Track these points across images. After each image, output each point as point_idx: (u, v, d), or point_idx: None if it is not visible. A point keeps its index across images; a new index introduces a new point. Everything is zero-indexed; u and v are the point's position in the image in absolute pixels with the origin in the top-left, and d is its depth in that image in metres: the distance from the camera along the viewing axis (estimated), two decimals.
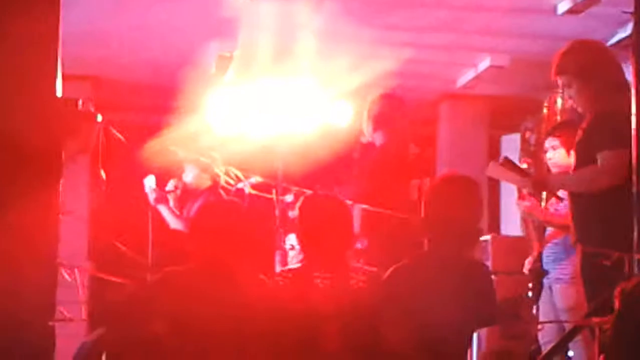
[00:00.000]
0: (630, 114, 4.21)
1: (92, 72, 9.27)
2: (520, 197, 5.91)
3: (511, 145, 9.84)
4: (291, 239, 8.13)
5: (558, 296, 5.78)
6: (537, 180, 5.09)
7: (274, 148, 9.19)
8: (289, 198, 7.88)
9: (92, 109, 3.80)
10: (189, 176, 7.30)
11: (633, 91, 4.21)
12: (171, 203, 7.22)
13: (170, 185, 7.28)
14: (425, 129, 9.98)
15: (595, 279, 4.50)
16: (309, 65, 8.33)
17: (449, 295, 3.35)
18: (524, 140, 9.54)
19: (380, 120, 5.75)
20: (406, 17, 7.77)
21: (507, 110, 9.81)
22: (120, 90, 9.74)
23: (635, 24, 4.06)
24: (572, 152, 5.04)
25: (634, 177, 4.11)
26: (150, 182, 7.17)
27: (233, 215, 3.77)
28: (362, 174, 5.57)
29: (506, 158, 5.28)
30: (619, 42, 7.97)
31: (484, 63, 8.88)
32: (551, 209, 5.82)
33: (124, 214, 7.47)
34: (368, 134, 5.80)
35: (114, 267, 5.68)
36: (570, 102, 4.86)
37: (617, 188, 4.46)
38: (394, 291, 3.43)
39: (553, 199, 5.71)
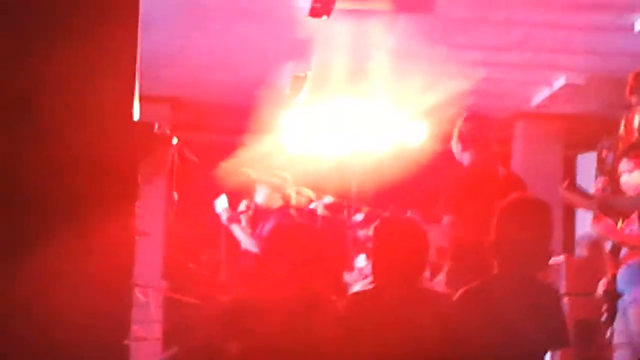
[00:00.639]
0: None
1: (170, 93, 9.44)
2: (596, 218, 5.85)
3: (587, 165, 9.70)
4: (360, 260, 8.17)
5: (633, 319, 5.69)
6: (602, 203, 5.08)
7: (347, 167, 9.27)
8: (359, 217, 7.93)
9: (168, 132, 3.88)
10: (260, 196, 7.34)
11: None
12: (243, 223, 7.27)
13: (242, 206, 7.34)
14: (499, 148, 9.90)
15: None
16: (382, 85, 8.38)
17: (520, 317, 3.33)
18: (600, 160, 9.39)
19: (469, 140, 5.67)
20: (479, 35, 7.75)
21: (583, 129, 9.68)
22: (197, 111, 9.90)
23: None
24: None
25: None
26: (222, 202, 7.25)
27: (305, 237, 3.80)
28: (451, 195, 5.52)
29: (569, 182, 5.27)
30: None
31: (559, 81, 8.81)
32: (627, 230, 5.74)
33: (198, 234, 7.58)
34: (457, 153, 5.73)
35: (187, 287, 5.77)
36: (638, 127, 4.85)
37: None
38: (467, 313, 3.42)
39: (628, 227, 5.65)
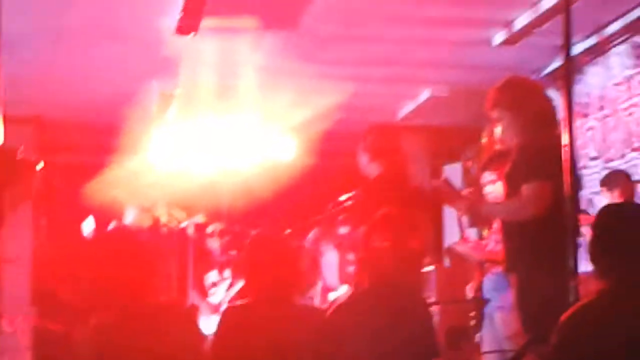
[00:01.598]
0: (557, 147, 4.35)
1: (34, 112, 9.24)
2: (462, 237, 6.04)
3: (453, 175, 9.94)
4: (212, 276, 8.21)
5: (500, 324, 5.86)
6: (471, 205, 5.21)
7: (218, 185, 9.24)
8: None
9: (33, 156, 3.79)
10: (129, 217, 7.24)
11: (564, 121, 4.34)
12: None
13: (110, 227, 7.20)
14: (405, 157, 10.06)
15: (531, 307, 4.60)
16: (251, 102, 8.39)
17: (390, 329, 3.38)
18: (465, 170, 9.68)
19: (376, 151, 5.64)
20: (345, 51, 7.85)
21: (448, 141, 9.95)
22: (63, 131, 9.70)
23: (564, 56, 4.17)
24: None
25: (567, 206, 4.20)
26: (89, 224, 7.09)
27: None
28: (358, 209, 5.48)
29: (446, 179, 5.37)
30: (554, 71, 8.15)
31: (424, 94, 9.01)
32: (490, 245, 5.94)
33: (66, 258, 7.39)
34: (364, 165, 5.69)
35: (56, 313, 5.63)
36: (501, 135, 5.01)
37: (547, 217, 4.58)
38: (338, 327, 3.45)
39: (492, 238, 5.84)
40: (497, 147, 8.09)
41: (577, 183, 6.04)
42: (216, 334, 3.69)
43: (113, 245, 3.59)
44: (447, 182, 5.23)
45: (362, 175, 5.77)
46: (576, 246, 4.86)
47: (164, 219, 7.31)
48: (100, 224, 7.31)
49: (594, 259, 3.20)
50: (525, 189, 4.62)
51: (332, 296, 7.46)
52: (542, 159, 4.57)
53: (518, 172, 4.75)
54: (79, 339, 3.58)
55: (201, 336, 3.53)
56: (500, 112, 4.84)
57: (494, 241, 5.93)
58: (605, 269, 3.14)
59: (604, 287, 3.10)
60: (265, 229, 7.22)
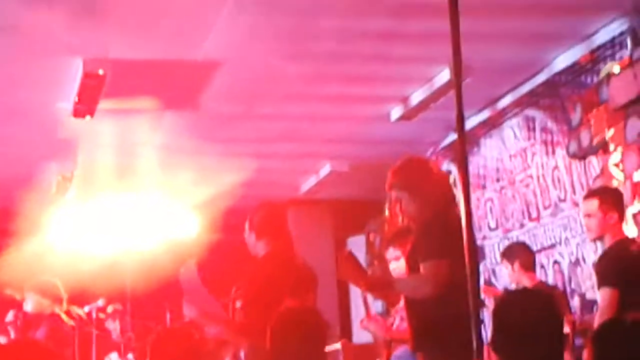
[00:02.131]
0: (454, 224, 4.44)
1: None
2: (367, 315, 6.05)
3: (357, 247, 9.99)
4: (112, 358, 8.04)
5: None
6: (371, 282, 5.25)
7: (120, 265, 9.10)
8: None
9: None
10: (29, 304, 7.02)
11: (461, 193, 4.42)
12: (12, 334, 6.89)
13: (10, 317, 6.95)
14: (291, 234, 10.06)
15: None
16: (152, 180, 8.33)
17: None
18: (369, 243, 9.74)
19: (262, 229, 5.52)
20: (246, 129, 7.88)
21: (351, 214, 10.01)
22: None
23: (458, 130, 4.27)
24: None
25: (468, 282, 4.27)
26: None
27: None
28: (248, 287, 5.33)
29: (350, 253, 5.38)
30: (450, 144, 8.32)
31: (325, 169, 9.08)
32: (396, 323, 5.97)
33: None
34: (251, 244, 5.56)
35: None
36: (401, 214, 5.12)
37: (447, 295, 4.64)
38: None
39: (398, 314, 5.86)
40: (400, 223, 8.23)
41: (477, 255, 6.18)
42: None
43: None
44: (349, 258, 5.25)
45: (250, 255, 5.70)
46: (479, 322, 4.95)
47: (65, 305, 7.10)
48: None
49: (492, 344, 3.27)
50: (422, 267, 4.69)
51: None
52: (439, 236, 4.66)
53: (417, 251, 4.83)
54: None
55: None
56: (397, 192, 4.94)
57: (399, 318, 5.95)
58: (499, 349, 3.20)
59: None
60: (169, 323, 7.16)
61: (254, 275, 5.23)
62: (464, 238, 4.65)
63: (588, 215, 5.63)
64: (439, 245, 4.64)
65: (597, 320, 5.25)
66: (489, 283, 8.05)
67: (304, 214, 10.15)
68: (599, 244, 5.82)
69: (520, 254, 6.83)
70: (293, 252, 5.48)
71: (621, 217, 5.62)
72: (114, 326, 8.39)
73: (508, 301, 3.34)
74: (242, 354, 5.13)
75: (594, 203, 5.57)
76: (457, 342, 4.65)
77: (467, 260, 4.69)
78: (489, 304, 6.51)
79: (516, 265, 6.68)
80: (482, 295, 6.27)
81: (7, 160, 8.08)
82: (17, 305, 7.06)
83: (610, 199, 5.63)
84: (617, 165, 6.48)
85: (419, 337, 4.93)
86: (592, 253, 7.00)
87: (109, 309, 8.30)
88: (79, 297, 7.49)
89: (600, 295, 5.38)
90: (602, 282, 5.41)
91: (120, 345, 8.26)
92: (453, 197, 5.01)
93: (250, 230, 5.46)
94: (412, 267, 4.95)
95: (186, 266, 5.32)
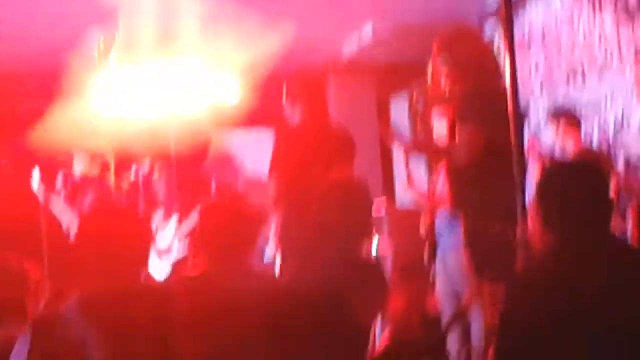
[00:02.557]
0: (496, 93, 4.45)
1: None
2: (409, 182, 6.10)
3: (400, 107, 9.98)
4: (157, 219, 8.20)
5: (451, 261, 5.95)
6: (411, 146, 5.31)
7: (163, 129, 9.16)
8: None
9: None
10: (78, 167, 7.13)
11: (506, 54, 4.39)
12: (62, 197, 7.02)
13: (59, 179, 7.08)
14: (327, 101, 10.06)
15: (480, 249, 4.70)
16: (193, 46, 8.28)
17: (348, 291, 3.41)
18: (411, 102, 9.71)
19: (296, 96, 5.55)
20: None
21: (393, 77, 9.94)
22: (4, 79, 9.51)
23: None
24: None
25: (513, 146, 4.28)
26: (36, 177, 6.92)
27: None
28: (277, 156, 5.35)
29: (385, 120, 5.43)
30: (497, 7, 8.15)
31: (367, 34, 8.97)
32: (438, 188, 6.01)
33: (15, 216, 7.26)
34: (287, 112, 5.60)
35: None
36: (443, 83, 5.11)
37: (487, 160, 4.68)
38: (292, 293, 3.47)
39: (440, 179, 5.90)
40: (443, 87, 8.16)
41: (522, 118, 6.17)
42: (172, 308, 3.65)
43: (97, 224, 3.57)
44: (387, 124, 5.31)
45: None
46: (524, 188, 4.97)
47: (112, 167, 7.21)
48: (47, 174, 7.15)
49: (538, 215, 3.25)
50: (458, 134, 4.73)
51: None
52: (478, 105, 4.69)
53: (457, 118, 4.87)
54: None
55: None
56: (440, 61, 4.94)
57: (441, 183, 5.99)
58: (549, 226, 3.19)
59: (549, 245, 3.15)
60: (218, 196, 7.23)
61: (286, 145, 5.26)
62: (509, 102, 4.67)
63: None
64: (477, 113, 4.67)
65: None
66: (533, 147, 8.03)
67: (345, 78, 10.12)
68: None
69: (565, 116, 6.80)
70: (327, 120, 5.50)
71: None
72: (160, 186, 8.53)
73: (554, 173, 3.30)
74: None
75: None
76: (495, 205, 4.72)
77: (511, 124, 4.72)
78: (532, 166, 6.50)
79: (560, 128, 6.65)
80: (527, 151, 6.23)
81: (50, 26, 8.07)
82: (67, 167, 7.18)
83: None
84: None
85: (458, 200, 4.99)
86: (638, 114, 6.96)
87: (155, 169, 8.43)
88: (126, 161, 7.58)
89: None
90: None
91: (165, 205, 8.40)
92: (496, 68, 5.00)
93: (286, 98, 5.52)
94: (452, 133, 4.99)
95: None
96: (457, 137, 4.77)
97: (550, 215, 3.23)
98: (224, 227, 3.74)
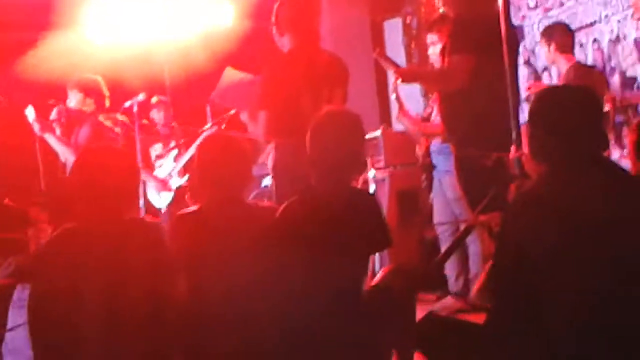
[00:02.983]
0: (489, 21, 4.44)
1: None
2: (400, 110, 6.09)
3: (394, 30, 9.89)
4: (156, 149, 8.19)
5: (447, 187, 6.00)
6: (402, 72, 5.29)
7: (156, 56, 9.12)
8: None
9: None
10: (72, 101, 7.10)
11: None
12: (58, 132, 7.00)
13: (54, 114, 7.05)
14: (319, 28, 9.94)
15: (472, 177, 4.72)
16: None
17: (340, 225, 3.43)
18: (405, 25, 9.62)
19: (287, 23, 5.29)
20: None
21: None
22: None
23: None
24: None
25: (507, 79, 4.28)
26: (30, 112, 6.90)
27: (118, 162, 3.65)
28: (268, 87, 5.15)
29: (380, 50, 5.38)
30: None
31: None
32: (432, 116, 6.02)
33: (11, 151, 7.26)
34: (277, 40, 5.36)
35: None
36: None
37: (477, 88, 4.67)
38: (288, 226, 3.49)
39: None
40: (437, 6, 8.10)
41: (514, 36, 6.15)
42: (172, 243, 3.70)
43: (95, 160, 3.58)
44: (382, 53, 5.28)
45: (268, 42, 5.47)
46: (517, 113, 4.99)
47: (107, 102, 7.17)
48: (45, 109, 7.10)
49: (530, 142, 3.25)
50: (448, 61, 4.71)
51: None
52: (469, 32, 4.65)
53: (449, 44, 4.84)
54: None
55: (164, 253, 3.53)
56: None
57: (435, 111, 6.00)
58: (541, 152, 3.20)
59: (542, 172, 3.16)
60: (216, 129, 7.20)
61: (274, 73, 5.07)
62: (502, 24, 4.64)
63: None
64: (469, 41, 4.65)
65: None
66: (528, 64, 8.01)
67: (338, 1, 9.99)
68: None
69: (558, 34, 6.75)
70: (318, 48, 5.27)
71: None
72: (158, 117, 8.52)
73: (543, 99, 3.29)
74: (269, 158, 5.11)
75: None
76: (486, 133, 4.73)
77: (504, 46, 4.71)
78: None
79: (552, 46, 6.62)
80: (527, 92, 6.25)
81: None
82: (61, 102, 7.14)
83: None
84: None
85: (449, 129, 4.99)
86: (634, 30, 6.90)
87: (154, 100, 8.41)
88: (119, 94, 7.54)
89: None
90: None
91: (164, 136, 8.41)
92: None
93: (275, 24, 5.26)
94: (445, 59, 4.97)
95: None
96: (447, 62, 4.75)
97: (540, 141, 3.23)
98: (221, 161, 3.76)
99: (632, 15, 6.55)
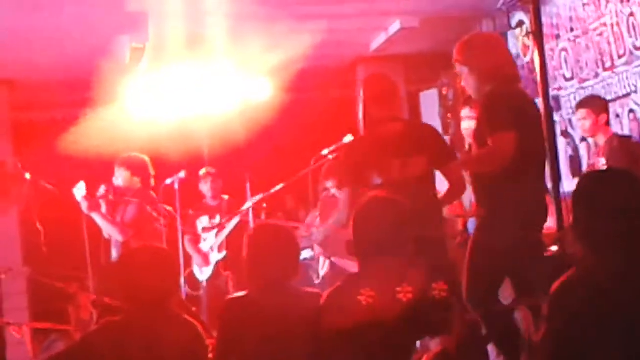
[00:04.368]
0: (517, 97, 4.52)
1: (8, 75, 9.20)
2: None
3: (430, 101, 9.99)
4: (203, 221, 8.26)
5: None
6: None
7: (195, 131, 9.26)
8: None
9: (20, 167, 3.81)
10: (119, 179, 7.21)
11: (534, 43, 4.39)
12: (104, 209, 7.10)
13: (101, 191, 7.15)
14: (345, 92, 10.11)
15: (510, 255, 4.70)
16: (223, 49, 8.36)
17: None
18: (441, 96, 9.71)
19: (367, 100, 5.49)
20: None
21: (422, 67, 9.96)
22: (37, 90, 9.65)
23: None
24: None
25: (549, 159, 4.32)
26: (80, 189, 7.03)
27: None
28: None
29: None
30: None
31: (395, 26, 8.99)
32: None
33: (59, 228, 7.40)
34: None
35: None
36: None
37: (516, 165, 4.71)
38: (332, 315, 3.52)
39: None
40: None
41: (551, 106, 6.19)
42: (219, 329, 3.79)
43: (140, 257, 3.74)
44: None
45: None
46: (559, 191, 5.02)
47: (152, 181, 7.28)
48: (89, 185, 7.21)
49: (576, 222, 3.26)
50: (490, 141, 4.75)
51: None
52: (500, 110, 4.71)
53: (482, 127, 4.89)
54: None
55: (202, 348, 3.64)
56: (459, 67, 5.01)
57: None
58: (588, 234, 3.21)
59: (587, 256, 3.18)
60: (265, 218, 7.31)
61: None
62: (540, 95, 4.70)
63: None
64: (503, 119, 4.70)
65: None
66: (565, 134, 8.05)
67: (374, 71, 10.11)
68: None
69: (595, 104, 6.83)
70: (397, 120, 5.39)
71: None
72: (206, 188, 8.61)
73: (585, 182, 3.31)
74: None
75: None
76: (525, 209, 4.75)
77: (543, 107, 4.77)
78: None
79: (593, 118, 6.70)
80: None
81: (82, 35, 8.15)
82: (108, 180, 7.25)
83: None
84: None
85: (484, 206, 4.98)
86: None
87: (202, 172, 8.52)
88: (160, 168, 7.66)
89: None
90: None
91: (211, 208, 8.48)
92: (515, 74, 5.06)
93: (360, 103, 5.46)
94: (477, 140, 5.02)
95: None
96: (490, 143, 4.78)
97: (581, 226, 3.25)
98: (271, 251, 3.85)
99: None
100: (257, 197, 7.02)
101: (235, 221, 7.71)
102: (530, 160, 4.84)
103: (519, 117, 4.72)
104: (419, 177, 5.10)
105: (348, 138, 6.31)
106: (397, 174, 5.08)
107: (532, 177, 4.88)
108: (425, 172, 5.15)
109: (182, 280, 6.99)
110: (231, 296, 3.98)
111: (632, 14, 7.12)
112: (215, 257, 8.14)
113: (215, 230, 8.18)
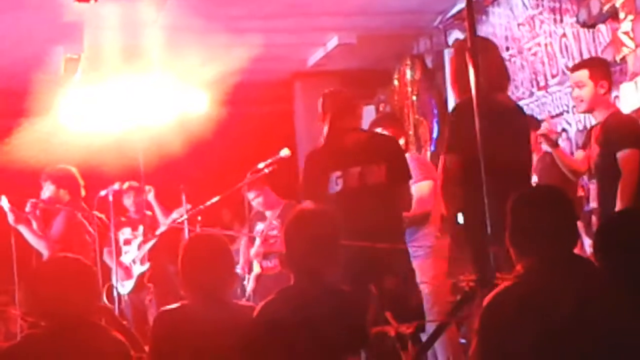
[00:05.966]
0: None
1: None
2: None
3: (367, 117, 10.02)
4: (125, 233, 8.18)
5: (417, 271, 5.97)
6: None
7: (130, 143, 9.16)
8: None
9: None
10: (46, 193, 7.07)
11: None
12: (35, 225, 6.92)
13: (28, 207, 6.99)
14: (282, 106, 10.12)
15: None
16: (160, 61, 8.30)
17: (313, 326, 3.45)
18: (378, 112, 9.77)
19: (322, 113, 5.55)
20: (252, 5, 7.82)
21: (359, 84, 9.98)
22: None
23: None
24: None
25: None
26: (4, 203, 6.87)
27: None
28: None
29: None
30: (458, 12, 8.23)
31: (332, 41, 9.03)
32: None
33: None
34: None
35: None
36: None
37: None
38: (266, 328, 3.52)
39: None
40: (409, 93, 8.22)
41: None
42: (150, 342, 3.75)
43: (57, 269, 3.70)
44: None
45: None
46: None
47: (82, 192, 7.18)
48: (22, 197, 7.07)
49: (511, 242, 3.32)
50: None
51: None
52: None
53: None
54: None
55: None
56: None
57: None
58: (522, 251, 3.27)
59: (521, 269, 3.23)
60: (200, 230, 7.26)
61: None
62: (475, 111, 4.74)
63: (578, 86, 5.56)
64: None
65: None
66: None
67: (311, 85, 10.13)
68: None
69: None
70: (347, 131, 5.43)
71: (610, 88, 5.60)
72: (129, 202, 8.51)
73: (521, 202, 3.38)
74: None
75: (584, 73, 5.52)
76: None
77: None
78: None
79: None
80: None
81: (16, 45, 8.06)
82: (35, 195, 7.11)
83: (600, 69, 5.57)
84: (626, 33, 6.44)
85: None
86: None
87: (125, 185, 8.41)
88: (95, 180, 7.57)
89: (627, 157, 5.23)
90: (624, 144, 5.26)
91: (134, 221, 8.39)
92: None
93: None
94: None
95: None
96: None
97: (521, 239, 3.32)
98: (206, 261, 3.83)
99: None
100: (182, 209, 6.99)
101: (159, 232, 7.70)
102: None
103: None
104: (378, 187, 5.09)
105: (284, 152, 6.34)
106: (356, 182, 5.08)
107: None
108: (383, 183, 5.13)
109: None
110: (163, 308, 3.93)
111: (564, 35, 7.24)
112: (138, 269, 8.04)
113: (137, 243, 8.11)
